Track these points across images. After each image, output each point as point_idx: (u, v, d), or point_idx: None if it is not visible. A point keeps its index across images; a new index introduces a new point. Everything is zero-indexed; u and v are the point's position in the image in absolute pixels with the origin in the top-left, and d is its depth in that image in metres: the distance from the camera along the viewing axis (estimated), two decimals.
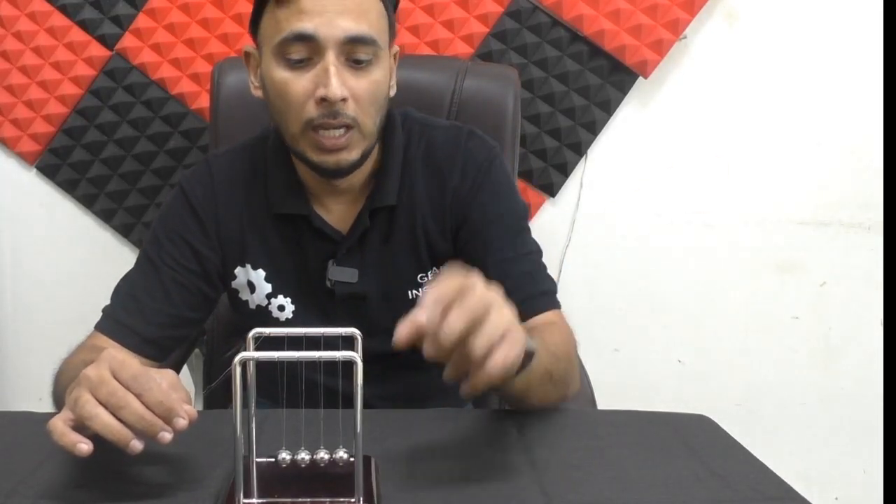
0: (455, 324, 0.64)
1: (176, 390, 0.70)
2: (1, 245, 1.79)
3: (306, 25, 0.91)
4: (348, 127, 0.95)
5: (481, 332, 0.66)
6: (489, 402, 1.16)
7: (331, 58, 0.92)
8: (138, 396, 0.68)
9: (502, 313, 0.68)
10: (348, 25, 0.92)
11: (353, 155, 0.97)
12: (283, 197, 1.05)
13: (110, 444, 0.68)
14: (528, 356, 0.75)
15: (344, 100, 0.93)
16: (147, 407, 0.67)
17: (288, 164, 1.05)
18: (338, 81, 0.92)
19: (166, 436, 0.68)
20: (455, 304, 0.65)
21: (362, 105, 0.95)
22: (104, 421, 0.67)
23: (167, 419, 0.68)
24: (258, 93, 1.02)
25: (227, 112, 1.36)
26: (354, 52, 0.93)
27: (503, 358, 0.67)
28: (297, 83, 0.94)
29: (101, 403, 0.68)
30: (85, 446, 0.67)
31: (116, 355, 0.71)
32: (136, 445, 0.68)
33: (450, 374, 0.69)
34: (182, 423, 0.68)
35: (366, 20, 0.93)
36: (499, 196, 1.06)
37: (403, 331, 0.65)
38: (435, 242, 1.07)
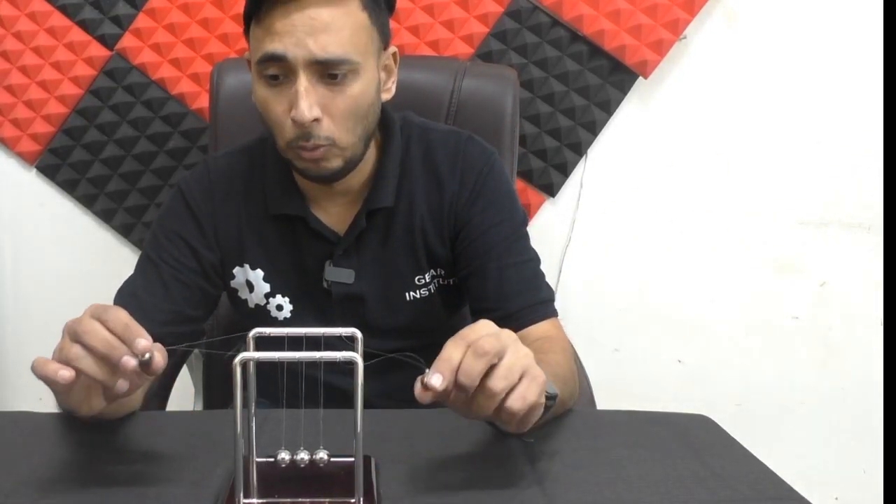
0: (472, 368, 0.67)
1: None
2: (1, 245, 1.79)
3: (277, 47, 0.91)
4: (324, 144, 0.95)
5: (496, 375, 0.68)
6: None
7: (301, 79, 0.91)
8: (104, 323, 0.69)
9: (518, 354, 0.70)
10: (317, 46, 0.90)
11: (333, 165, 0.97)
12: (280, 198, 1.05)
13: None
14: (552, 398, 0.76)
15: (316, 120, 0.93)
16: (111, 332, 0.69)
17: (285, 165, 1.05)
18: (307, 104, 0.91)
19: (130, 361, 0.68)
20: (470, 349, 0.67)
21: (337, 121, 0.94)
22: (87, 363, 0.68)
23: (129, 342, 0.69)
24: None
25: (227, 112, 1.36)
26: (327, 70, 0.92)
27: (521, 397, 0.69)
28: (276, 103, 0.94)
29: (76, 342, 0.69)
30: (66, 372, 0.67)
31: (98, 305, 0.72)
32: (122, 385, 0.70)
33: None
34: (144, 343, 0.68)
35: (337, 38, 0.91)
36: (497, 203, 1.06)
37: (425, 396, 0.68)
38: (433, 245, 1.07)
